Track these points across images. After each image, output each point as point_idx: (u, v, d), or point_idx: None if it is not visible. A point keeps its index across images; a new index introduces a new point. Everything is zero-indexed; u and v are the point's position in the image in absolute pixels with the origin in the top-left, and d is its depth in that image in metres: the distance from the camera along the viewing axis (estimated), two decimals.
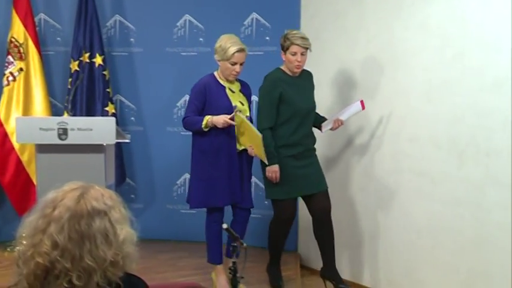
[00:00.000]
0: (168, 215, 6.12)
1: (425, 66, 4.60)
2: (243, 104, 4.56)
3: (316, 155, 4.79)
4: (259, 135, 4.40)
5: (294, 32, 4.56)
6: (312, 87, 4.79)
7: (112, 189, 1.99)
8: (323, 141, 5.21)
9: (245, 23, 5.91)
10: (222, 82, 4.54)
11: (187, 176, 6.05)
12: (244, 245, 3.64)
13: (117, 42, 6.11)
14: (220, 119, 4.33)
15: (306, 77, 4.74)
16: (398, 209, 4.83)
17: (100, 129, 4.19)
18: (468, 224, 4.32)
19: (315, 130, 4.82)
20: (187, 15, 6.00)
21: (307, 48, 4.50)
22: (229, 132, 4.44)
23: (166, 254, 5.66)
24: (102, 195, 1.87)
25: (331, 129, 4.75)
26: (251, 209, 4.73)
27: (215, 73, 4.58)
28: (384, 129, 4.96)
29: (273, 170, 4.49)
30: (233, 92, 4.55)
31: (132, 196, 6.15)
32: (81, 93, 5.76)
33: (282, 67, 4.63)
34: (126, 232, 1.87)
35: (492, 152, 4.14)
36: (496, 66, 4.11)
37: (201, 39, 5.99)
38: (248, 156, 4.60)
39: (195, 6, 6.01)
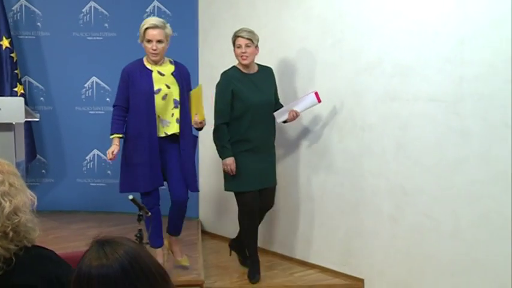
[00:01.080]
0: (78, 188, 5.99)
1: (309, 51, 4.71)
2: (168, 87, 4.15)
3: (274, 151, 4.53)
4: (197, 88, 4.26)
5: (241, 28, 4.37)
6: (271, 83, 4.51)
7: (22, 166, 1.93)
8: None
9: (147, 10, 5.83)
10: (149, 66, 4.19)
11: (96, 151, 5.98)
12: (149, 214, 3.64)
13: (23, 26, 5.86)
14: (110, 149, 4.14)
15: (264, 73, 4.48)
16: (295, 181, 4.94)
17: (9, 108, 4.04)
18: (346, 190, 4.51)
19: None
20: (92, 2, 5.85)
21: (250, 40, 4.25)
22: (149, 119, 4.10)
23: (77, 224, 5.54)
24: None
25: (286, 121, 4.44)
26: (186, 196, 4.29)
27: (144, 58, 4.25)
28: None
29: (227, 163, 4.28)
30: (162, 74, 4.18)
31: (43, 171, 5.98)
32: None
33: (237, 65, 4.40)
34: (15, 203, 1.78)
35: (366, 126, 4.32)
36: (368, 52, 4.28)
37: (106, 24, 5.87)
38: (182, 142, 4.20)
39: None
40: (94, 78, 5.91)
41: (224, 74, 4.38)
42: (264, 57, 5.06)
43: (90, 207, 5.92)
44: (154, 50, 4.11)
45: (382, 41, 4.19)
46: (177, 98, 4.17)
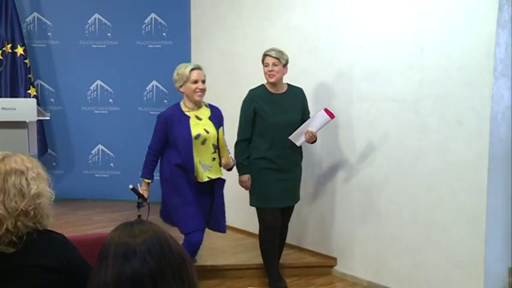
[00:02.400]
0: (85, 179, 6.01)
1: (289, 58, 4.72)
2: (207, 132, 3.72)
3: (298, 169, 4.09)
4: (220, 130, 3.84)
5: (270, 47, 3.98)
6: (298, 103, 4.02)
7: (35, 159, 1.96)
8: None
9: (146, 21, 5.84)
10: (186, 112, 3.74)
11: (100, 146, 5.98)
12: (148, 201, 3.66)
13: (36, 35, 5.88)
14: (145, 193, 3.73)
15: (293, 94, 4.02)
16: None
17: (23, 108, 4.02)
18: (322, 180, 4.54)
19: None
20: (96, 14, 5.85)
21: (278, 59, 3.87)
22: (188, 163, 3.71)
23: (84, 210, 5.56)
24: (22, 160, 1.85)
25: (307, 141, 3.91)
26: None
27: (181, 103, 3.80)
28: None
29: (243, 180, 3.98)
30: (200, 119, 3.75)
31: (54, 164, 5.98)
32: (5, 79, 5.59)
33: (266, 83, 4.00)
34: (41, 188, 1.83)
35: (339, 124, 4.35)
36: (340, 59, 4.31)
37: (108, 34, 5.87)
38: (218, 187, 3.89)
39: (104, 5, 5.87)
40: (98, 82, 5.92)
41: (250, 92, 4.03)
42: (249, 64, 5.10)
43: (95, 195, 5.94)
44: (202, 89, 3.73)
45: (353, 49, 4.22)
46: (215, 143, 3.78)
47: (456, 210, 3.67)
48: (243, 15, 5.14)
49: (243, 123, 4.00)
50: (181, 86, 3.73)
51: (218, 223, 3.93)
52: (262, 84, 4.01)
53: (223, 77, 5.38)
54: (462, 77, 3.58)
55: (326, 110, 3.83)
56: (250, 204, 4.07)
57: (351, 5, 4.21)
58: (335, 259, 4.45)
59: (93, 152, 6.01)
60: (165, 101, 5.83)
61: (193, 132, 3.69)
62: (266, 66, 3.90)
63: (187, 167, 3.71)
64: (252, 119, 3.95)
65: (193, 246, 3.76)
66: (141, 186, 3.76)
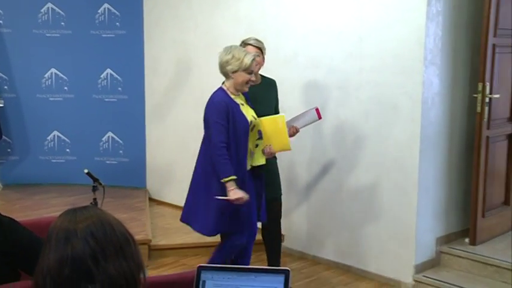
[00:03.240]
0: (41, 164, 5.80)
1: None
2: (255, 118, 3.25)
3: (275, 160, 3.64)
4: (279, 116, 3.40)
5: (249, 36, 3.63)
6: (273, 95, 3.68)
7: None
8: None
9: (99, 11, 5.67)
10: (234, 98, 3.19)
11: (56, 133, 5.81)
12: (103, 184, 3.59)
13: None
14: (238, 194, 3.02)
15: (267, 85, 3.62)
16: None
17: None
18: None
19: None
20: (49, 3, 5.63)
21: (259, 48, 3.51)
22: (245, 154, 3.19)
23: (40, 195, 5.38)
24: None
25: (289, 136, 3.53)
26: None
27: (224, 88, 3.23)
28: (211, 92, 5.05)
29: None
30: (243, 105, 3.24)
31: (9, 150, 5.75)
32: None
33: None
34: None
35: (287, 109, 4.37)
36: (286, 48, 4.33)
37: (62, 23, 5.67)
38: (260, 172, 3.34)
39: None
40: (53, 70, 5.71)
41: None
42: (200, 52, 5.06)
43: (52, 180, 5.75)
44: (253, 81, 3.23)
45: (297, 39, 4.25)
46: (259, 129, 3.29)
47: (392, 188, 3.77)
48: (194, 6, 5.08)
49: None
50: (234, 72, 3.14)
51: (263, 214, 3.38)
52: None
53: (176, 65, 5.32)
54: (396, 65, 3.66)
55: (317, 110, 3.51)
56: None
57: None
58: (283, 236, 4.49)
59: (48, 138, 5.82)
60: (120, 89, 5.71)
61: (248, 120, 3.18)
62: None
63: (242, 161, 3.16)
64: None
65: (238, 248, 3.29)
66: (229, 190, 3.01)
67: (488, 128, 3.82)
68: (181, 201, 5.26)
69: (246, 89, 3.21)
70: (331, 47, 4.01)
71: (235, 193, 3.00)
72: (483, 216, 3.89)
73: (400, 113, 3.68)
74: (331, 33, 3.99)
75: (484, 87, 3.71)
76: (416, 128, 3.63)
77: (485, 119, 3.76)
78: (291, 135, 3.50)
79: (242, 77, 3.14)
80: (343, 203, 4.03)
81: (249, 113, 3.21)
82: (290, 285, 1.56)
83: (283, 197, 3.75)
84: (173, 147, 5.37)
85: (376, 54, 3.76)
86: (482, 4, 3.69)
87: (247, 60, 3.13)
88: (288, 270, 1.56)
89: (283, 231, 4.52)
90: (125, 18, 5.65)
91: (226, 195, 3.03)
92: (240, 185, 3.05)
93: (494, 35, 3.73)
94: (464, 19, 3.86)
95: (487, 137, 3.83)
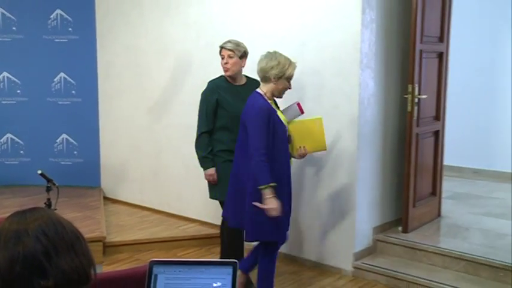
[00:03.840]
0: None
1: (187, 51, 4.67)
2: (287, 123, 3.13)
3: None
4: (317, 118, 3.24)
5: (227, 40, 3.46)
6: None
7: None
8: None
9: (51, 16, 5.48)
10: (270, 103, 3.00)
11: (9, 135, 5.57)
12: (56, 185, 3.45)
13: None
14: (274, 204, 2.81)
15: (251, 86, 3.32)
16: (173, 152, 4.90)
17: None
18: None
19: None
20: (0, 8, 5.39)
21: (233, 51, 3.35)
22: (287, 162, 3.08)
23: None
24: None
25: None
26: None
27: (261, 93, 2.99)
28: (162, 95, 4.97)
29: (209, 174, 3.38)
30: (278, 110, 3.10)
31: None
32: None
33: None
34: None
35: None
36: None
37: (14, 28, 5.44)
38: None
39: (8, 0, 5.40)
40: (5, 74, 5.47)
41: (210, 82, 3.44)
42: (151, 58, 4.98)
43: (5, 182, 5.51)
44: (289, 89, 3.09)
45: (244, 43, 4.23)
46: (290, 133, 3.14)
47: (333, 183, 3.83)
48: (145, 13, 4.99)
49: (204, 114, 3.38)
50: (278, 78, 2.96)
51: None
52: (222, 75, 3.47)
53: (128, 69, 5.21)
54: (335, 68, 3.72)
55: (298, 105, 3.33)
56: (211, 197, 3.52)
57: (242, 4, 4.22)
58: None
59: (1, 140, 5.58)
60: (73, 92, 5.54)
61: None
62: (222, 58, 3.40)
63: (285, 166, 3.03)
64: (214, 110, 3.36)
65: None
66: (266, 197, 2.81)
67: (417, 126, 3.93)
68: (134, 198, 5.21)
69: (282, 96, 3.08)
70: (276, 50, 4.01)
71: (271, 202, 2.81)
72: (414, 206, 4.01)
73: (340, 113, 3.74)
74: (276, 38, 4.00)
75: (413, 88, 3.82)
76: (354, 127, 3.69)
77: (415, 118, 3.88)
78: None
79: (283, 84, 3.00)
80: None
81: (282, 117, 3.07)
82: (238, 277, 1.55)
83: None
84: (126, 147, 5.27)
85: (316, 58, 3.80)
86: (410, 13, 3.79)
87: (292, 69, 3.02)
88: (235, 262, 1.55)
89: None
90: (77, 23, 5.49)
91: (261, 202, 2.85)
92: (280, 191, 2.89)
93: (421, 42, 3.85)
94: (395, 27, 3.96)
95: (417, 134, 3.94)
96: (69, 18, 5.50)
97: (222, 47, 3.40)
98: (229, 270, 1.56)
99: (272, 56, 3.02)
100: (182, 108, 4.74)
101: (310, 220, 3.95)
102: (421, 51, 3.85)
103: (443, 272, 3.57)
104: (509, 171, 5.70)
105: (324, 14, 3.76)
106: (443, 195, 4.52)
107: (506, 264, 3.42)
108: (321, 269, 3.88)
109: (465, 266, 3.56)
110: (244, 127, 2.96)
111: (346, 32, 3.65)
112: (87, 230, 4.12)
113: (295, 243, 4.03)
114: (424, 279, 3.46)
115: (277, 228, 2.95)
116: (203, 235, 4.45)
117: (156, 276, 1.57)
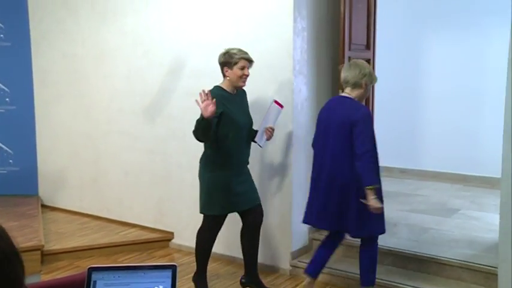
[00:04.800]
0: None
1: (124, 59, 4.61)
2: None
3: (248, 168, 3.41)
4: None
5: (236, 49, 3.28)
6: (247, 104, 3.41)
7: None
8: None
9: None
10: None
11: None
12: None
13: None
14: (379, 204, 2.99)
15: (241, 94, 3.35)
16: (112, 158, 4.82)
17: None
18: (158, 166, 4.51)
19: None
20: None
21: (251, 62, 3.26)
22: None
23: None
24: None
25: (267, 139, 3.40)
26: None
27: (352, 98, 3.12)
28: (100, 102, 4.87)
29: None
30: None
31: None
32: None
33: (221, 85, 3.27)
34: None
35: (171, 116, 4.36)
36: (170, 59, 4.30)
37: None
38: None
39: None
40: None
41: (213, 95, 3.07)
42: (88, 64, 4.86)
43: None
44: None
45: (180, 51, 4.23)
46: None
47: (272, 185, 3.88)
48: (81, 21, 4.87)
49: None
50: (368, 84, 3.11)
51: None
52: (217, 86, 3.27)
53: (65, 76, 5.07)
54: (270, 74, 3.78)
55: (276, 102, 3.35)
56: (203, 212, 3.35)
57: (178, 13, 4.22)
58: (172, 233, 4.45)
59: None
60: (7, 99, 5.31)
61: None
62: (242, 69, 3.20)
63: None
64: (216, 121, 3.15)
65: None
66: (371, 198, 2.92)
67: None
68: (74, 205, 5.06)
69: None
70: (212, 58, 4.01)
71: (376, 202, 2.94)
72: None
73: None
74: (212, 45, 4.01)
75: (343, 93, 3.94)
76: (289, 131, 3.78)
77: None
78: (270, 137, 3.37)
79: (368, 90, 3.16)
80: (176, 185, 4.06)
81: None
82: (177, 281, 1.56)
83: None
84: (65, 154, 5.12)
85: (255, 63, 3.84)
86: (339, 22, 3.94)
87: (375, 76, 3.19)
88: (175, 265, 1.55)
89: (171, 229, 4.49)
90: (9, 30, 5.27)
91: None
92: (379, 193, 3.02)
93: (349, 49, 4.00)
94: (325, 35, 4.09)
95: None
96: (1, 24, 5.28)
97: (248, 60, 3.24)
98: (168, 273, 1.56)
99: (362, 65, 3.13)
100: (120, 114, 4.67)
101: None
102: (349, 58, 4.00)
103: None
104: (433, 169, 6.01)
105: (257, 23, 3.82)
106: None
107: (430, 256, 3.61)
108: (259, 268, 3.92)
109: (393, 260, 3.72)
110: (345, 132, 3.00)
111: (279, 40, 3.73)
112: (24, 239, 3.96)
113: (234, 243, 4.05)
114: (359, 274, 3.57)
115: (383, 223, 3.11)
116: (144, 240, 4.40)
117: (95, 282, 1.55)
